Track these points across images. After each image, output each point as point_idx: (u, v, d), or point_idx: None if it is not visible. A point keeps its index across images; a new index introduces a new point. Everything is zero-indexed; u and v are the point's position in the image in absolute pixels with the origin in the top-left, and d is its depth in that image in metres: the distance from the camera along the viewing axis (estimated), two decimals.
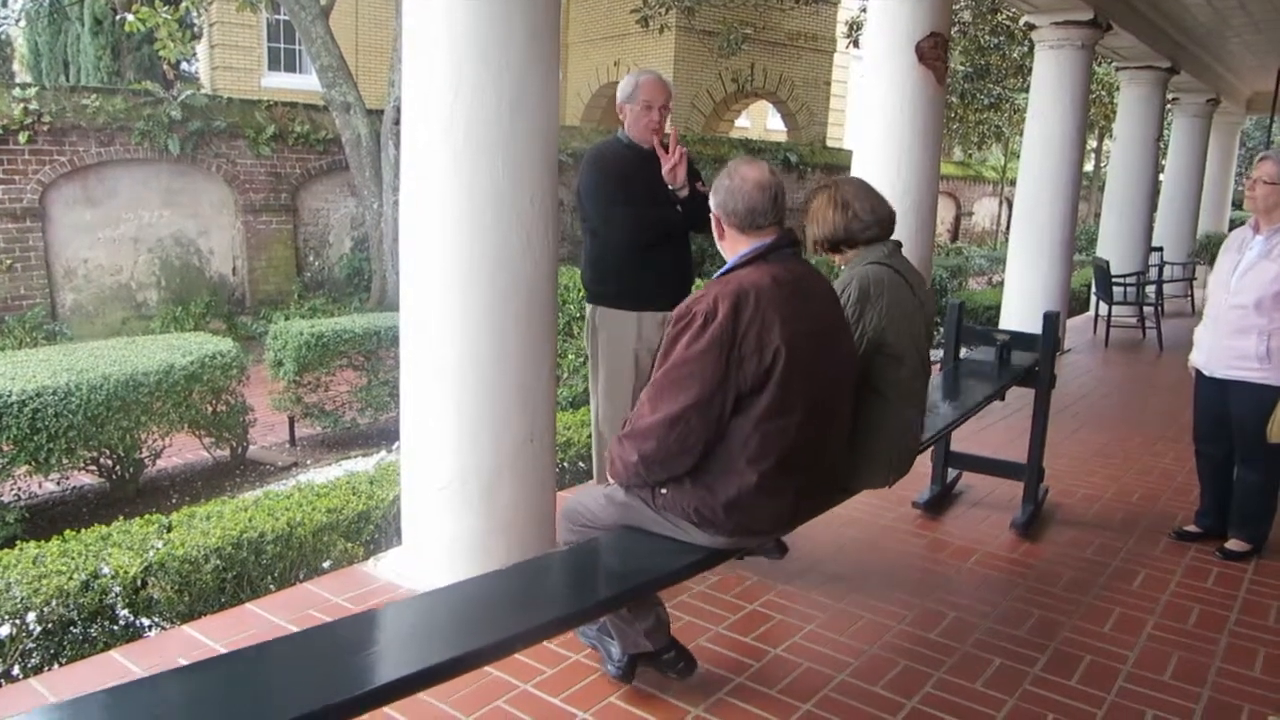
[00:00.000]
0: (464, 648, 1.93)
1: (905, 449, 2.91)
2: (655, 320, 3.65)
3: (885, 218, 2.98)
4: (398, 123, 3.11)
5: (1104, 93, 17.50)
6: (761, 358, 2.29)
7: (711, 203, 2.52)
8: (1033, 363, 4.25)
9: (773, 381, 2.31)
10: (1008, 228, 8.99)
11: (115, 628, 3.12)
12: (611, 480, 2.57)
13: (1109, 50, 9.57)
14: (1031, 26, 7.99)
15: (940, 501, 4.49)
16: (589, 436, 4.94)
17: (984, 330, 4.84)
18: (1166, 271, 11.41)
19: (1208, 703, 2.88)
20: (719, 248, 2.56)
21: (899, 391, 2.81)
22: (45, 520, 5.18)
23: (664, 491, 2.45)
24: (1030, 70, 8.31)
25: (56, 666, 2.95)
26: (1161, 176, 13.00)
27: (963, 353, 4.59)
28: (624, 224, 3.66)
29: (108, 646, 3.01)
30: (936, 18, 5.51)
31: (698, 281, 3.90)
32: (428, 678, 1.86)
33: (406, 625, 2.14)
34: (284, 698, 1.77)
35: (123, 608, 3.14)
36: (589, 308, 3.88)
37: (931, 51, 5.48)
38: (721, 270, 2.47)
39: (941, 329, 4.62)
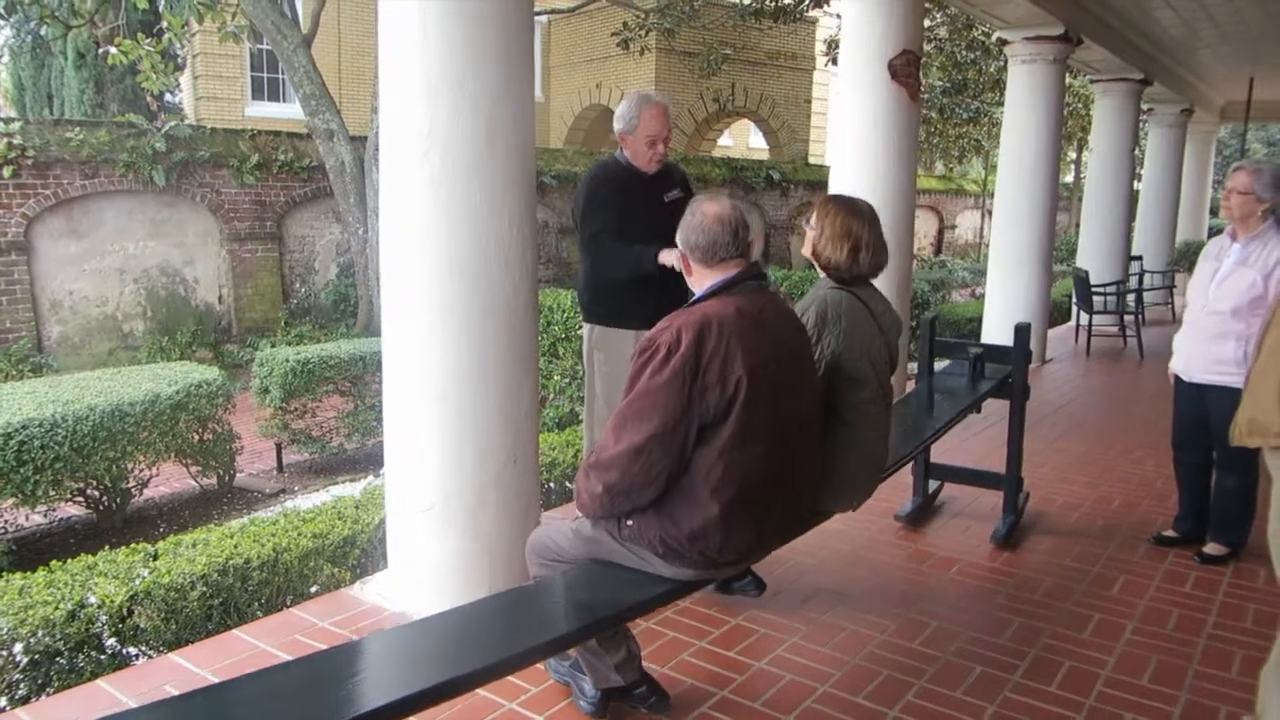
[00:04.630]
0: (432, 680, 1.97)
1: (867, 472, 2.93)
2: None
3: (879, 269, 3.01)
4: (380, 149, 3.17)
5: (1080, 105, 17.71)
6: (724, 388, 2.32)
7: (678, 240, 2.57)
8: (1006, 374, 4.30)
9: (735, 411, 2.34)
10: (990, 240, 9.10)
11: (102, 657, 3.13)
12: (578, 513, 2.59)
13: (1082, 63, 9.71)
14: (1004, 42, 8.12)
15: (922, 513, 4.53)
16: (574, 456, 4.97)
17: (957, 343, 4.89)
18: (1146, 280, 11.53)
19: (1186, 705, 2.92)
20: (689, 285, 2.61)
21: (859, 415, 2.83)
22: (32, 552, 5.17)
23: (629, 523, 2.47)
24: (1007, 85, 8.43)
25: (44, 697, 2.96)
26: (1139, 186, 13.15)
27: (939, 366, 4.64)
28: (604, 260, 3.71)
29: (95, 676, 3.01)
30: (908, 35, 5.60)
31: None
32: (405, 707, 1.88)
33: (380, 658, 2.16)
34: None
35: (109, 637, 3.15)
36: (586, 327, 3.91)
37: (904, 69, 5.57)
38: (689, 303, 2.51)
39: (916, 343, 4.66)
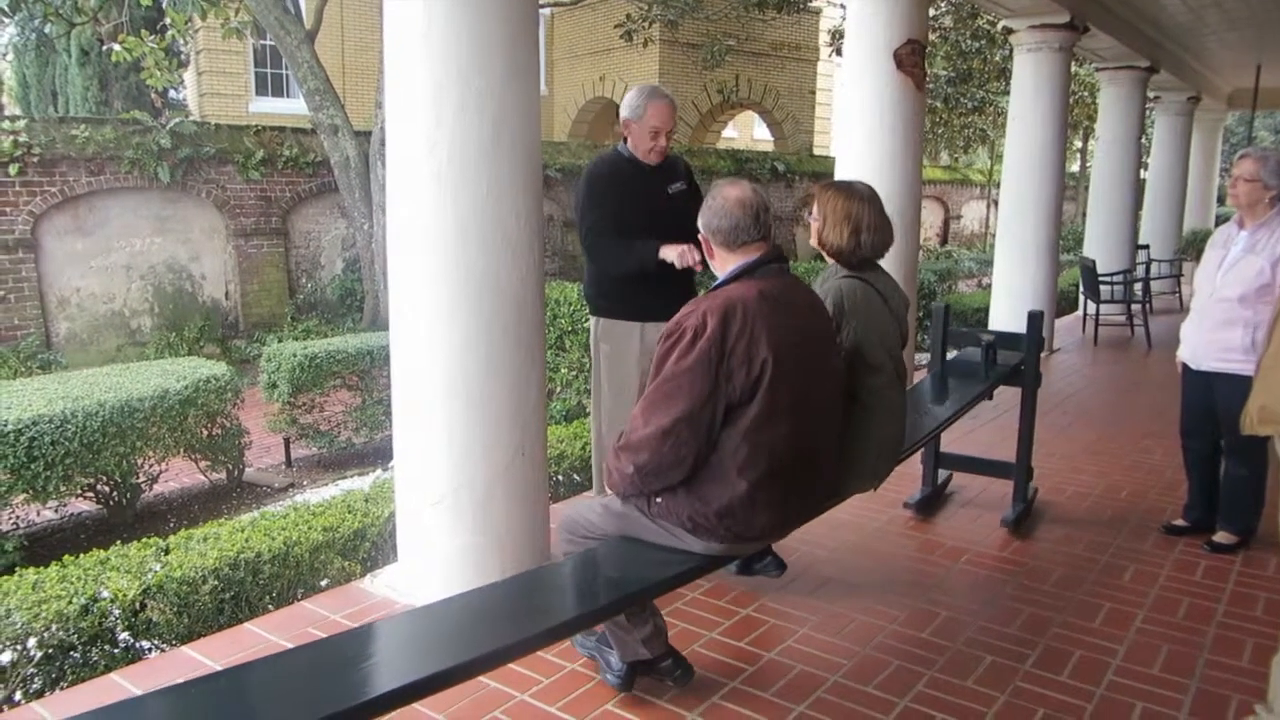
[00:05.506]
0: (461, 657, 1.97)
1: (886, 455, 2.96)
2: (659, 331, 3.66)
3: (883, 247, 3.01)
4: (386, 144, 3.18)
5: (1086, 93, 17.63)
6: (750, 369, 2.37)
7: (699, 224, 2.61)
8: (1018, 362, 4.30)
9: (761, 392, 2.39)
10: (996, 230, 9.09)
11: (115, 651, 3.15)
12: (609, 491, 2.65)
13: (1088, 51, 9.67)
14: (1009, 30, 8.09)
15: (931, 502, 4.53)
16: (582, 448, 4.98)
17: (970, 331, 4.88)
18: (1153, 269, 11.49)
19: (1196, 694, 2.91)
20: (711, 267, 2.66)
21: (877, 400, 2.87)
22: (44, 548, 5.20)
23: (659, 500, 2.53)
24: (1012, 73, 8.40)
25: (58, 690, 2.97)
26: (1145, 174, 13.10)
27: (950, 354, 4.63)
28: (601, 256, 3.71)
29: (108, 669, 3.03)
30: (913, 25, 5.59)
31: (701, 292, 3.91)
32: (424, 687, 1.89)
33: (404, 637, 2.18)
34: (281, 710, 1.81)
35: (122, 631, 3.17)
36: (592, 320, 3.92)
37: (909, 58, 5.56)
38: (712, 287, 2.56)
39: (928, 332, 4.65)
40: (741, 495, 2.44)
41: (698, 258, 3.36)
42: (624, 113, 3.76)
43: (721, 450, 2.43)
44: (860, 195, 2.97)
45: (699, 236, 2.64)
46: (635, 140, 3.75)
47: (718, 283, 2.55)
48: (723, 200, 2.53)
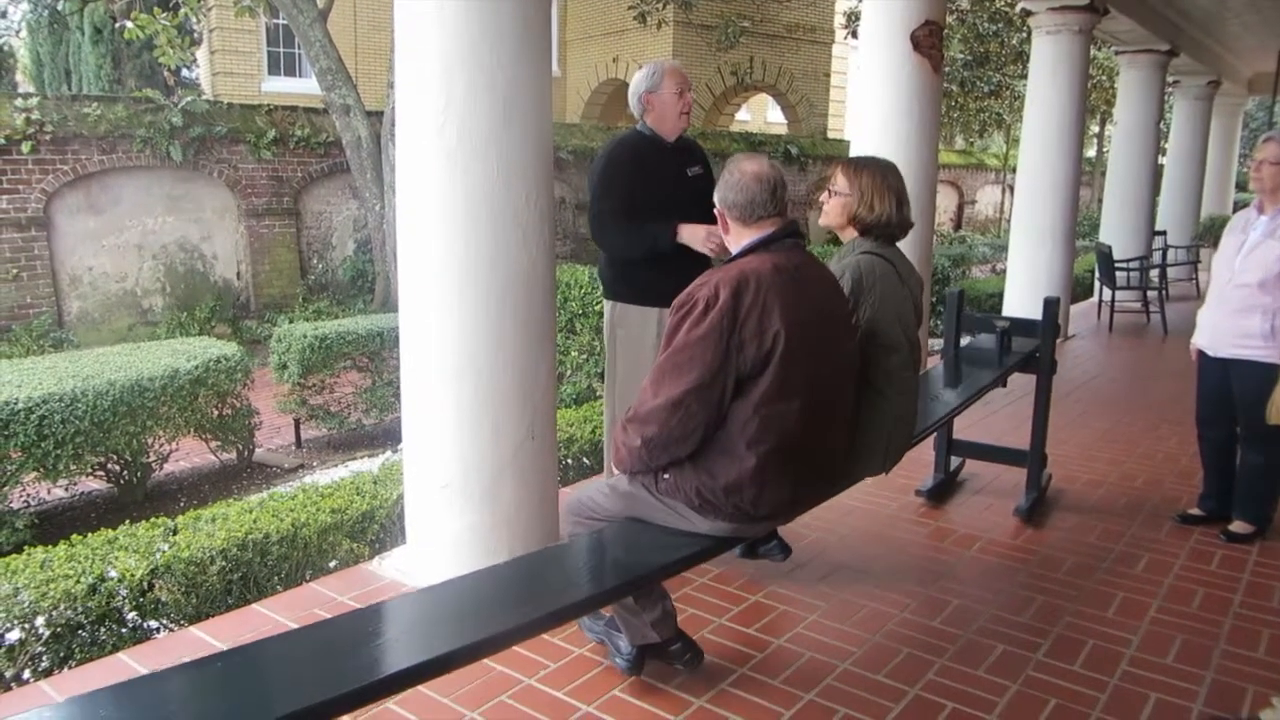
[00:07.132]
0: (466, 640, 1.94)
1: (899, 437, 2.94)
2: None
3: (912, 222, 3.07)
4: (396, 124, 3.15)
5: (1104, 77, 17.46)
6: (761, 342, 2.34)
7: (715, 198, 2.59)
8: (1033, 349, 4.25)
9: (772, 366, 2.36)
10: (1011, 215, 9.03)
11: (123, 630, 3.15)
12: (615, 469, 2.62)
13: (1107, 34, 9.55)
14: (1028, 13, 7.99)
15: (943, 490, 4.49)
16: (592, 432, 4.96)
17: (984, 317, 4.83)
18: (1170, 255, 11.38)
19: (1211, 685, 2.88)
20: (725, 242, 2.64)
21: (890, 380, 2.85)
22: (54, 526, 5.21)
23: (666, 476, 2.50)
24: (1029, 57, 8.30)
25: (66, 669, 2.98)
26: (1164, 160, 12.96)
27: (964, 340, 4.59)
28: (611, 240, 3.67)
29: (116, 649, 3.03)
30: (931, 6, 5.52)
31: None
32: (430, 669, 1.87)
33: (409, 619, 2.15)
34: (287, 689, 1.79)
35: (130, 610, 3.17)
36: (607, 304, 3.88)
37: (927, 40, 5.49)
38: (725, 261, 2.54)
39: (942, 317, 4.61)
40: (750, 470, 2.40)
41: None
42: (642, 86, 3.64)
43: (731, 424, 2.41)
44: (892, 169, 3.02)
45: (715, 211, 2.61)
46: (662, 109, 3.67)
47: (731, 256, 2.53)
48: (739, 174, 2.52)
